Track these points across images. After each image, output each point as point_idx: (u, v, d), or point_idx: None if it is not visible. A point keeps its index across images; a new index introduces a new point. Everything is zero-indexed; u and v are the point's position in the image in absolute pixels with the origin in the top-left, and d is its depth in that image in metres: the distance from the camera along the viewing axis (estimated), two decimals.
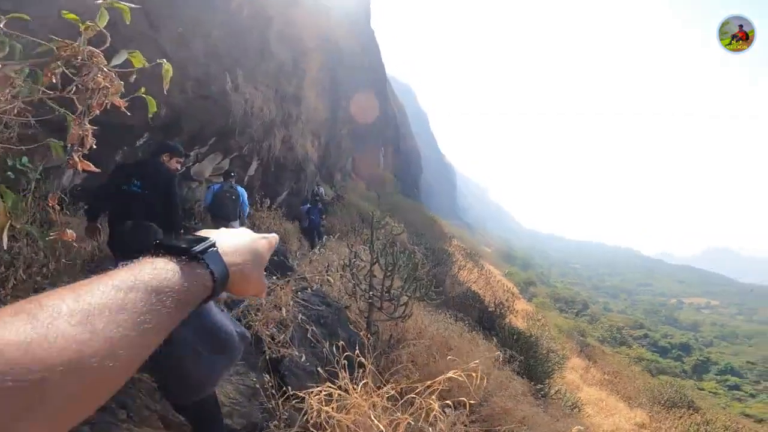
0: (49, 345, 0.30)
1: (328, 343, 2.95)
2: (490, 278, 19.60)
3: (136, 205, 2.79)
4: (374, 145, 30.12)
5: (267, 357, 2.68)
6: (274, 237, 0.63)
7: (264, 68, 7.62)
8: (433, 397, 2.21)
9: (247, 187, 6.80)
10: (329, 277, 4.11)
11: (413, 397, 2.17)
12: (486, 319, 11.44)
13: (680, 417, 11.55)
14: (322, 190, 14.51)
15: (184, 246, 0.47)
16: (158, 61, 1.11)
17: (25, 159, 2.61)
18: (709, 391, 36.51)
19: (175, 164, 3.18)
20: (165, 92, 1.09)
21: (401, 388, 2.27)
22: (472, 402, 2.40)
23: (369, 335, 4.49)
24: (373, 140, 29.36)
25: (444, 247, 16.65)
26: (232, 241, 0.54)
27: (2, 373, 0.27)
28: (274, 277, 3.18)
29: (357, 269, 4.37)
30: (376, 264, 4.52)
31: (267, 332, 2.74)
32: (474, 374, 2.10)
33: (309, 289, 3.42)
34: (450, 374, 2.12)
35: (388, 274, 4.25)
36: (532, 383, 7.51)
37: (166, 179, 2.94)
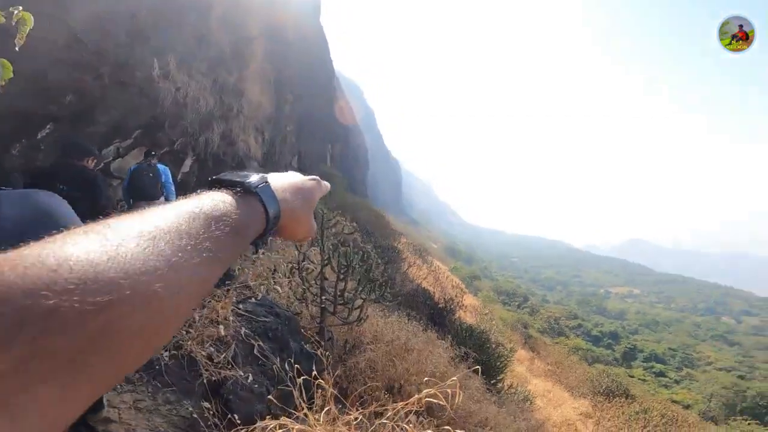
0: (118, 265, 0.28)
1: (278, 358, 2.61)
2: (439, 274, 19.84)
3: None
4: (321, 141, 29.65)
5: (205, 380, 2.29)
6: (325, 183, 0.64)
7: (201, 55, 6.97)
8: (408, 419, 1.96)
9: (181, 186, 6.16)
10: (277, 286, 3.74)
11: (384, 423, 1.91)
12: (437, 316, 11.49)
13: (620, 406, 12.29)
14: None
15: (239, 180, 0.47)
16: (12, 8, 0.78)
17: None
18: (639, 378, 39.64)
19: (89, 164, 3.01)
20: (17, 49, 0.77)
21: (370, 412, 2.00)
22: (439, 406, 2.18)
23: (323, 343, 4.18)
24: (320, 137, 28.86)
25: (393, 245, 16.55)
26: (283, 179, 0.54)
27: (69, 291, 0.25)
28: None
29: (307, 272, 4.02)
30: (328, 266, 4.21)
31: (203, 352, 2.34)
32: (449, 391, 1.87)
33: (253, 298, 3.03)
34: (425, 393, 1.87)
35: (341, 276, 3.95)
36: (487, 379, 7.58)
37: (91, 181, 2.84)
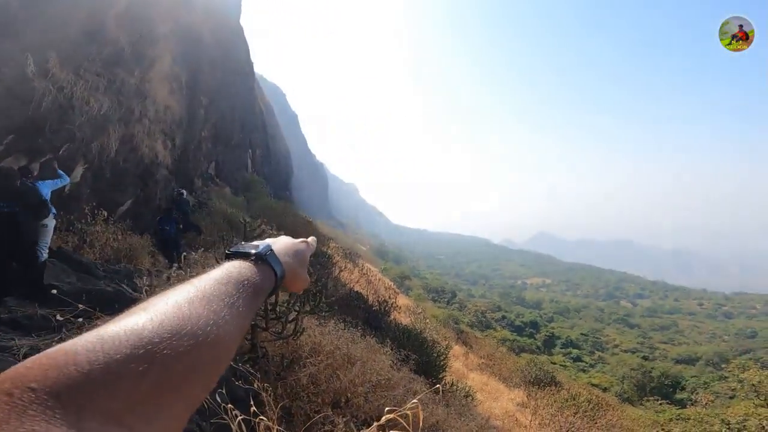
0: (192, 321, 0.41)
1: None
2: (370, 276, 19.74)
3: None
4: (240, 146, 28.26)
5: None
6: (312, 239, 0.79)
7: (91, 52, 6.05)
8: None
9: (71, 198, 5.26)
10: None
11: None
12: (372, 319, 11.36)
13: (551, 394, 13.02)
14: (184, 193, 12.73)
15: (252, 251, 0.59)
16: None
17: None
18: (560, 365, 42.78)
19: None
20: None
21: None
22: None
23: (258, 361, 3.76)
24: (239, 142, 27.48)
25: (323, 250, 16.11)
26: (281, 244, 0.68)
27: (167, 339, 0.38)
28: (107, 315, 2.26)
29: None
30: None
31: None
32: (409, 413, 1.65)
33: None
34: (385, 419, 1.63)
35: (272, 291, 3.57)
36: (429, 379, 7.58)
37: None
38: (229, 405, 1.84)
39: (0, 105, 4.29)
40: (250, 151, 31.53)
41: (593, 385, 31.29)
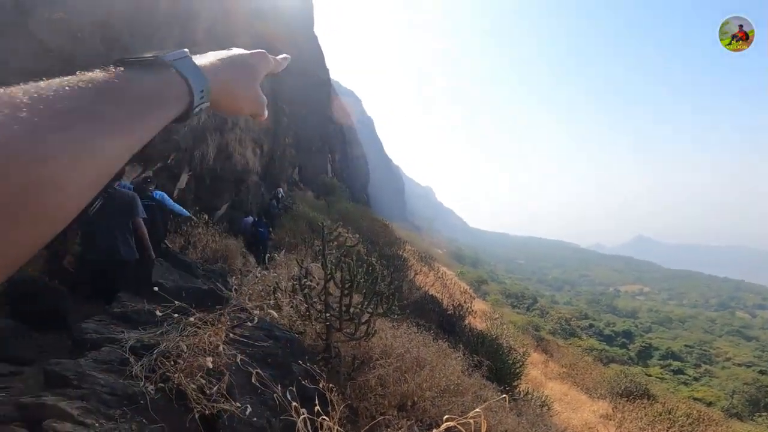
0: None
1: (279, 385, 2.34)
2: (446, 280, 19.51)
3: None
4: (321, 152, 29.51)
5: (197, 415, 2.03)
6: (282, 56, 0.64)
7: None
8: None
9: (179, 203, 5.92)
10: (271, 310, 3.47)
11: None
12: (446, 323, 11.22)
13: (643, 407, 11.91)
14: (281, 190, 14.05)
15: (150, 56, 0.43)
16: None
17: None
18: (656, 377, 38.79)
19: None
20: None
21: None
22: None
23: (330, 361, 3.91)
24: (319, 148, 28.72)
25: (399, 253, 16.27)
26: (215, 55, 0.51)
27: None
28: (201, 313, 2.52)
29: (309, 289, 3.76)
30: (331, 280, 3.95)
31: (193, 385, 2.09)
32: (472, 421, 1.60)
33: (249, 321, 2.76)
34: (445, 426, 1.60)
35: (346, 291, 3.69)
36: (502, 386, 7.31)
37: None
38: (296, 404, 1.93)
39: None
40: (329, 155, 32.82)
41: (696, 399, 27.87)
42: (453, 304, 13.53)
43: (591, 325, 57.81)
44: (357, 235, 8.22)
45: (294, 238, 10.39)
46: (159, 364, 2.14)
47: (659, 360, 50.71)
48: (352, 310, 3.92)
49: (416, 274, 15.00)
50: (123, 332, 2.44)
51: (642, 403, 12.55)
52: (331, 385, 3.06)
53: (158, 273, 3.26)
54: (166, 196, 5.69)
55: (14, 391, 2.26)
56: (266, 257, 9.61)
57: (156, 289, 2.64)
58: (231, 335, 2.47)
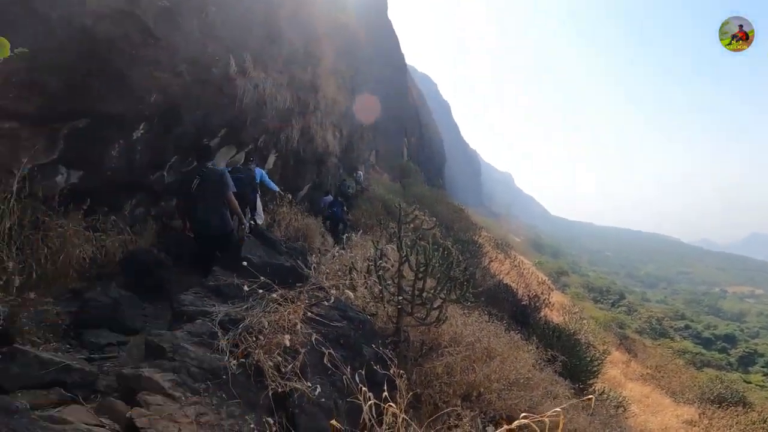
0: None
1: (349, 367, 2.42)
2: (522, 269, 18.75)
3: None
4: (396, 136, 29.65)
5: (270, 393, 2.17)
6: None
7: (273, 53, 7.01)
8: None
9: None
10: (349, 290, 3.58)
11: None
12: (520, 314, 10.83)
13: (736, 415, 10.63)
14: (361, 174, 14.60)
15: None
16: None
17: None
18: (756, 384, 34.15)
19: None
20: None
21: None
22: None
23: (399, 344, 3.95)
24: (395, 131, 28.87)
25: (473, 239, 15.92)
26: None
27: None
28: (283, 290, 2.67)
29: (384, 271, 3.81)
30: (405, 263, 3.96)
31: (270, 362, 2.23)
32: (547, 419, 1.51)
33: (326, 301, 2.88)
34: (520, 422, 1.53)
35: (420, 275, 3.68)
36: (576, 384, 6.95)
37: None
38: (364, 388, 1.99)
39: (215, 102, 5.24)
40: (405, 139, 32.89)
41: None
42: (528, 295, 13.01)
43: (687, 327, 52.00)
44: (433, 219, 8.18)
45: (370, 219, 10.63)
46: (242, 339, 2.31)
47: (763, 367, 44.29)
48: (425, 294, 3.91)
49: (491, 261, 14.59)
50: (215, 305, 2.68)
51: (735, 411, 11.17)
52: (400, 371, 3.11)
53: (247, 248, 3.53)
54: (265, 173, 6.73)
55: (120, 360, 2.63)
56: (344, 237, 10.12)
57: (245, 264, 2.84)
58: (308, 313, 2.59)
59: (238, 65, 5.36)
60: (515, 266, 17.90)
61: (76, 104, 3.33)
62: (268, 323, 2.35)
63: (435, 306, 4.11)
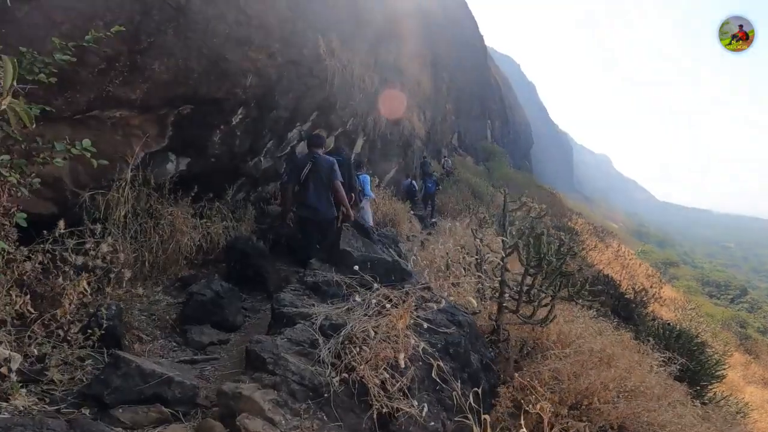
0: None
1: (459, 380, 2.13)
2: (626, 260, 16.94)
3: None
4: (479, 118, 28.72)
5: (375, 413, 1.95)
6: None
7: (360, 34, 6.79)
8: None
9: (355, 164, 6.27)
10: (452, 287, 3.25)
11: None
12: (622, 308, 9.82)
13: None
14: (450, 160, 14.52)
15: None
16: None
17: (86, 142, 2.21)
18: None
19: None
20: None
21: None
22: None
23: (499, 345, 3.55)
24: (477, 113, 27.93)
25: (570, 225, 14.66)
26: None
27: None
28: (386, 289, 2.41)
29: (487, 263, 3.43)
30: (510, 255, 3.53)
31: (376, 379, 1.99)
32: None
33: (434, 302, 2.55)
34: None
35: (531, 270, 3.23)
36: (693, 388, 6.05)
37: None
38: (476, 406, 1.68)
39: (306, 84, 5.10)
40: (488, 121, 31.70)
41: None
42: (633, 288, 11.81)
43: None
44: (543, 205, 7.52)
45: (457, 205, 10.20)
46: (345, 350, 2.10)
47: None
48: (533, 291, 3.45)
49: (589, 250, 13.34)
50: (313, 305, 2.52)
51: None
52: (505, 375, 2.74)
53: (345, 239, 3.34)
54: (368, 179, 6.60)
55: (221, 363, 2.57)
56: (433, 210, 10.12)
57: (357, 268, 2.63)
58: (414, 318, 2.31)
59: (326, 46, 5.21)
60: (619, 256, 16.19)
61: (179, 89, 3.35)
62: (373, 331, 2.12)
63: (543, 303, 3.64)
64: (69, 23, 2.33)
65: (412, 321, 2.25)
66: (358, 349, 2.05)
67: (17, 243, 2.06)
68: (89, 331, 2.15)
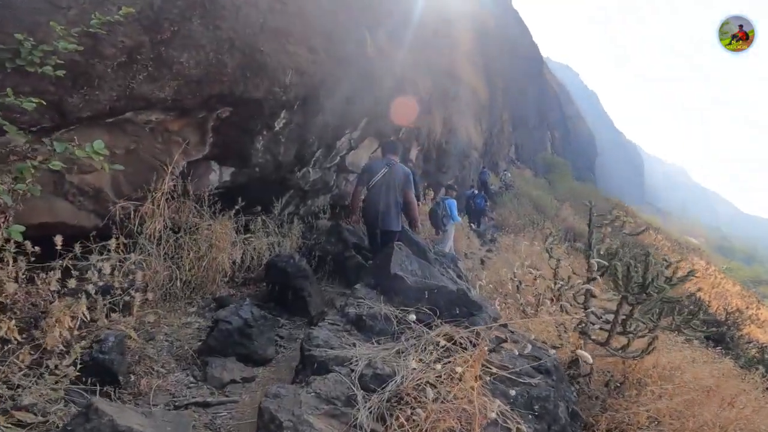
0: None
1: None
2: (716, 278, 14.99)
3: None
4: (538, 129, 27.54)
5: None
6: None
7: (410, 33, 6.29)
8: None
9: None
10: (530, 317, 2.62)
11: None
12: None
13: None
14: (509, 174, 14.07)
15: None
16: None
17: (98, 143, 1.95)
18: None
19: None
20: None
21: None
22: None
23: (577, 379, 2.87)
24: (535, 124, 26.79)
25: (644, 241, 13.18)
26: None
27: None
28: (446, 323, 1.83)
29: (568, 287, 2.79)
30: (596, 279, 2.89)
31: None
32: None
33: (512, 343, 1.90)
34: None
35: (631, 298, 2.55)
36: None
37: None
38: None
39: (353, 85, 4.65)
40: (548, 132, 30.41)
41: None
42: (726, 308, 10.44)
43: None
44: (636, 219, 6.62)
45: (519, 219, 9.38)
46: (391, 413, 1.55)
47: None
48: (630, 322, 2.77)
49: (674, 269, 11.84)
50: (354, 345, 2.00)
51: None
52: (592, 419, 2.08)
53: (397, 261, 2.74)
54: (455, 204, 6.55)
55: (238, 410, 2.13)
56: (490, 239, 9.49)
57: (414, 316, 2.04)
58: (485, 366, 1.70)
59: (373, 43, 4.80)
60: (708, 275, 14.32)
61: (213, 87, 3.09)
62: (432, 385, 1.57)
63: (639, 334, 2.92)
64: (77, 8, 2.08)
65: (484, 371, 1.66)
66: (409, 411, 1.47)
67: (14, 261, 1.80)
68: (79, 364, 1.84)
